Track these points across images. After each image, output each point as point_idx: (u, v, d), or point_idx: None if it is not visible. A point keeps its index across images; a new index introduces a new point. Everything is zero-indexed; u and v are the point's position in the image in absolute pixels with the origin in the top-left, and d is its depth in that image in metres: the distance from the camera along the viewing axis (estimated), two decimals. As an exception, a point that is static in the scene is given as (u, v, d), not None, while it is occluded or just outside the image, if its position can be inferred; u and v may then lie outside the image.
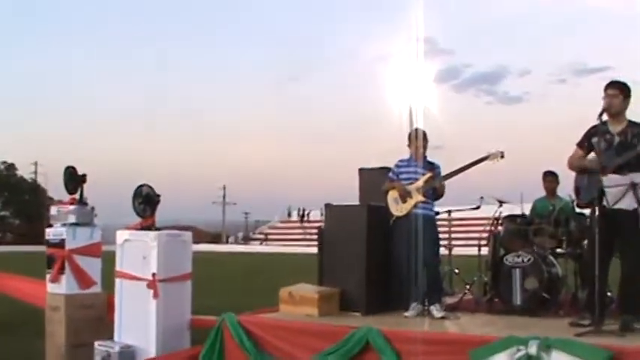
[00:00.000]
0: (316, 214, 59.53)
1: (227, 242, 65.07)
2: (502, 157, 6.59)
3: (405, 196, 6.79)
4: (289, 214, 67.26)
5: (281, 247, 53.83)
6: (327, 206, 7.55)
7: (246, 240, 64.71)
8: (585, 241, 7.03)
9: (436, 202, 6.97)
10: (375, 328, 5.48)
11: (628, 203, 5.40)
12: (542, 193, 8.17)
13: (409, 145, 7.04)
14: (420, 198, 6.75)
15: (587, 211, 6.63)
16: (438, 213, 7.38)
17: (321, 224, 7.88)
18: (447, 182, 6.86)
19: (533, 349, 4.67)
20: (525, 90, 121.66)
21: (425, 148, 6.96)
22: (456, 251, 8.90)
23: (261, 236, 64.39)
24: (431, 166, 6.90)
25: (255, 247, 56.24)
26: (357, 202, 7.80)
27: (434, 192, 6.86)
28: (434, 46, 77.80)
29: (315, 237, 7.94)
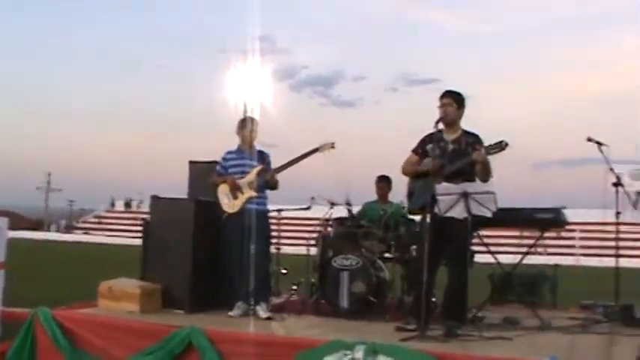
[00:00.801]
0: (145, 206, 58.45)
1: (49, 230, 62.20)
2: (333, 147, 6.50)
3: (236, 191, 6.58)
4: (113, 204, 65.21)
5: (105, 237, 52.09)
6: (154, 198, 7.20)
7: (69, 229, 62.14)
8: (414, 247, 7.12)
9: (268, 199, 6.79)
10: (199, 327, 5.26)
11: (459, 212, 5.48)
12: (373, 196, 8.20)
13: (238, 133, 6.83)
14: (252, 193, 6.57)
15: (417, 218, 6.70)
16: (269, 211, 7.23)
17: (147, 216, 7.51)
18: (279, 178, 6.70)
19: (359, 354, 4.63)
20: (358, 95, 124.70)
21: (255, 133, 6.79)
22: (284, 250, 8.77)
23: (86, 225, 62.11)
24: (261, 157, 6.73)
25: (78, 237, 54.02)
26: (185, 196, 7.50)
27: (266, 185, 6.70)
28: (272, 45, 78.38)
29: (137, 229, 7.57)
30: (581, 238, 37.03)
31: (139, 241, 7.60)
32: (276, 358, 4.96)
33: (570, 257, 32.93)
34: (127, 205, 63.22)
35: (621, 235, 6.40)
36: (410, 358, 4.52)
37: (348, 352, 4.66)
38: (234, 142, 6.86)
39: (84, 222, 63.80)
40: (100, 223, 61.51)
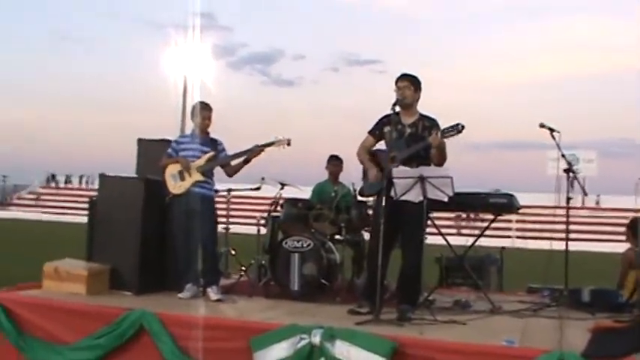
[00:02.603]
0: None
1: (-20, 207, 60.58)
2: (288, 144, 6.49)
3: (184, 173, 6.47)
4: (49, 180, 63.81)
5: (43, 215, 50.96)
6: (102, 176, 7.02)
7: (4, 205, 60.63)
8: (365, 229, 7.10)
9: (214, 186, 6.73)
10: (150, 311, 5.14)
11: (414, 196, 5.47)
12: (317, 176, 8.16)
13: (192, 119, 6.76)
14: (199, 177, 6.48)
15: (369, 200, 6.68)
16: (217, 191, 7.13)
17: (91, 193, 7.31)
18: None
19: (316, 339, 4.59)
20: (299, 74, 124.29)
21: (209, 120, 6.71)
22: (234, 230, 8.67)
23: (21, 202, 60.68)
24: (214, 144, 6.65)
25: (14, 214, 52.75)
26: (133, 175, 7.33)
27: (226, 172, 6.68)
28: (212, 22, 77.35)
29: (79, 206, 7.37)
30: (518, 221, 37.80)
31: (79, 219, 7.40)
32: (230, 341, 4.88)
33: (518, 240, 33.75)
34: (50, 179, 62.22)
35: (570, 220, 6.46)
36: (368, 343, 4.48)
37: (305, 335, 4.61)
38: (173, 119, 6.77)
39: (19, 198, 62.34)
40: (36, 200, 60.14)
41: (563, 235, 6.53)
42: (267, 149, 6.51)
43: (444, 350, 4.46)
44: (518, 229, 38.92)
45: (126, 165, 7.66)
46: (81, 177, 60.73)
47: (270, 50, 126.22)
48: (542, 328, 5.33)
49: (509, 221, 36.68)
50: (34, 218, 46.50)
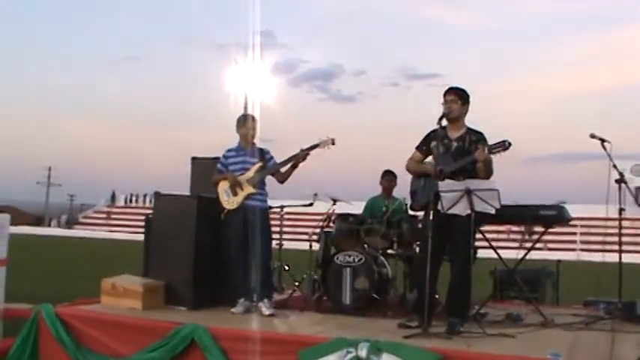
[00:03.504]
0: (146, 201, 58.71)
1: (50, 225, 62.18)
2: (333, 143, 6.50)
3: (235, 187, 6.58)
4: (113, 199, 65.11)
5: (107, 232, 52.09)
6: (157, 195, 7.21)
7: (71, 224, 62.11)
8: (416, 244, 7.11)
9: (268, 196, 6.79)
10: (202, 324, 5.27)
11: (462, 209, 5.48)
12: (374, 192, 8.20)
13: (238, 131, 6.82)
14: (251, 190, 6.56)
15: (419, 214, 6.69)
16: (270, 207, 7.22)
17: (149, 212, 7.51)
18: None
19: (363, 352, 4.63)
20: (359, 90, 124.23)
21: (255, 131, 6.78)
22: (286, 246, 8.78)
23: (87, 220, 62.07)
24: (261, 154, 6.73)
25: (79, 232, 53.99)
26: (187, 193, 7.50)
27: (277, 179, 6.74)
28: (271, 40, 78.07)
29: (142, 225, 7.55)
30: (583, 234, 37.09)
31: (140, 237, 7.60)
32: (279, 355, 4.97)
33: (572, 252, 33.00)
34: (129, 201, 63.37)
35: (624, 231, 6.38)
36: (414, 356, 4.51)
37: (352, 349, 4.66)
38: (234, 137, 6.87)
39: (85, 217, 63.75)
40: (101, 218, 61.45)
41: (626, 247, 6.46)
42: (313, 152, 6.52)
43: (489, 363, 4.47)
44: (582, 242, 38.20)
45: (184, 183, 7.83)
46: (145, 195, 61.83)
47: (330, 66, 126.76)
48: (591, 342, 5.27)
49: (574, 234, 36.08)
50: (99, 236, 47.57)
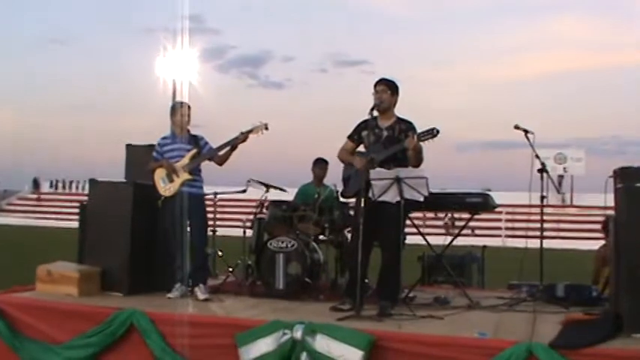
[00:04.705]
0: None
1: (-28, 213, 60.34)
2: (266, 128, 6.62)
3: (172, 174, 6.66)
4: (36, 185, 63.41)
5: (34, 220, 50.83)
6: (92, 181, 7.21)
7: (-5, 211, 60.40)
8: (347, 230, 7.30)
9: (203, 182, 6.88)
10: (140, 309, 5.34)
11: (392, 196, 5.69)
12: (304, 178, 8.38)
13: (171, 118, 6.89)
14: (187, 176, 6.65)
15: (350, 201, 6.88)
16: (205, 194, 7.31)
17: (80, 199, 7.50)
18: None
19: (298, 334, 4.79)
20: (287, 76, 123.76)
21: (189, 118, 6.86)
22: (220, 232, 8.87)
23: (11, 207, 60.44)
24: (195, 140, 6.83)
25: (3, 219, 52.65)
26: (122, 179, 7.53)
27: (215, 162, 6.83)
28: (200, 24, 77.14)
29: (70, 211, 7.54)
30: (507, 220, 38.01)
31: (71, 224, 7.57)
32: (217, 338, 5.09)
33: (497, 238, 33.79)
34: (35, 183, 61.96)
35: (545, 218, 6.68)
36: (347, 337, 4.69)
37: (287, 331, 4.82)
38: (165, 123, 6.92)
39: (9, 204, 62.11)
40: (26, 205, 59.93)
41: (548, 234, 6.74)
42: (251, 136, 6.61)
43: (419, 342, 4.69)
44: (507, 228, 39.13)
45: (117, 170, 7.85)
46: (71, 182, 60.58)
47: (259, 52, 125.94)
48: (515, 322, 5.53)
49: (499, 220, 36.91)
50: (26, 224, 46.42)
